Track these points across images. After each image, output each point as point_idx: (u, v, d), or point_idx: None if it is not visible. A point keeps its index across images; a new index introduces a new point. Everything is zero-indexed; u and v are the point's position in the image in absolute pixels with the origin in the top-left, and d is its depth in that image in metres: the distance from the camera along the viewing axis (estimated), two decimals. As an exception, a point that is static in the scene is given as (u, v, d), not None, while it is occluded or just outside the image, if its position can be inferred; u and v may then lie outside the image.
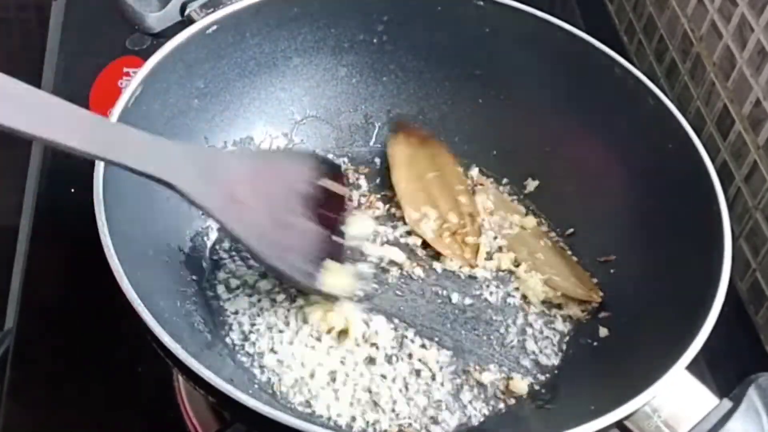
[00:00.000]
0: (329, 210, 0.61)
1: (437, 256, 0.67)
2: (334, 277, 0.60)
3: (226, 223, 0.55)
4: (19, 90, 0.45)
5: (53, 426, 0.63)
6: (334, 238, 0.61)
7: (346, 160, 0.73)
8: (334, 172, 0.64)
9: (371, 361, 0.61)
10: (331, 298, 0.61)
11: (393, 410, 0.59)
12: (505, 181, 0.73)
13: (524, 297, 0.66)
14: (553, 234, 0.70)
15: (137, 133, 0.52)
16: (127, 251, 0.52)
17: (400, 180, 0.71)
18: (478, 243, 0.68)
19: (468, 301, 0.65)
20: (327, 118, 0.73)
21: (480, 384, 0.61)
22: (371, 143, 0.74)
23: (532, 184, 0.72)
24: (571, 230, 0.69)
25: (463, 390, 0.60)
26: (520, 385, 0.61)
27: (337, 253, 0.61)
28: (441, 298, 0.65)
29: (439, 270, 0.67)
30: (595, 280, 0.66)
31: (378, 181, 0.72)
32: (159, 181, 0.51)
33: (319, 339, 0.61)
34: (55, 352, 0.66)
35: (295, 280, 0.59)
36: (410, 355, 0.61)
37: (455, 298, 0.65)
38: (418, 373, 0.61)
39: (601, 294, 0.65)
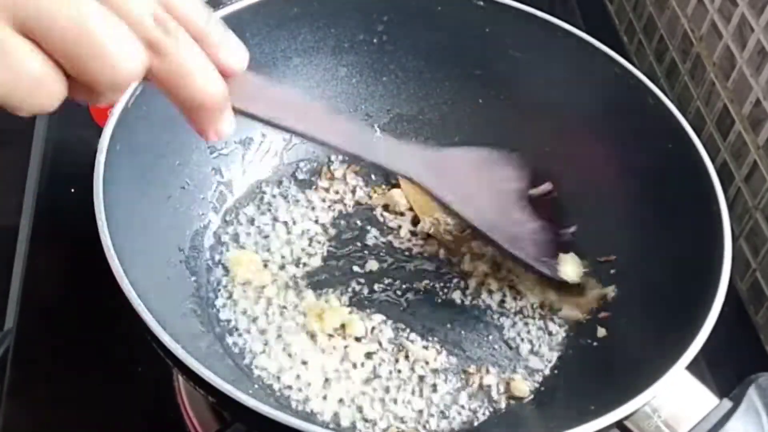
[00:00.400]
0: (539, 205, 0.65)
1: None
2: (570, 266, 0.64)
3: (462, 212, 0.58)
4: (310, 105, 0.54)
5: (53, 426, 0.63)
6: (560, 231, 0.64)
7: (345, 159, 0.73)
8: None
9: (370, 361, 0.61)
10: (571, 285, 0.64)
11: (392, 410, 0.59)
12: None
13: (522, 297, 0.66)
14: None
15: (382, 136, 0.60)
16: (127, 251, 0.52)
17: (409, 191, 0.71)
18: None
19: (468, 301, 0.65)
20: (327, 118, 0.73)
21: (480, 385, 0.61)
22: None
23: (532, 184, 0.72)
24: (572, 229, 0.69)
25: (463, 391, 0.60)
26: (522, 386, 0.61)
27: (564, 244, 0.64)
28: (441, 299, 0.65)
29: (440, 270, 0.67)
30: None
31: (377, 180, 0.72)
32: (400, 175, 0.57)
33: (317, 339, 0.61)
34: (55, 352, 0.66)
35: (537, 269, 0.62)
36: (410, 356, 0.61)
37: (457, 297, 0.65)
38: (418, 374, 0.61)
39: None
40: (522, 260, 0.62)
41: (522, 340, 0.64)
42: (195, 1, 0.39)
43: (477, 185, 0.59)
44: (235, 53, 0.42)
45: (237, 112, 0.44)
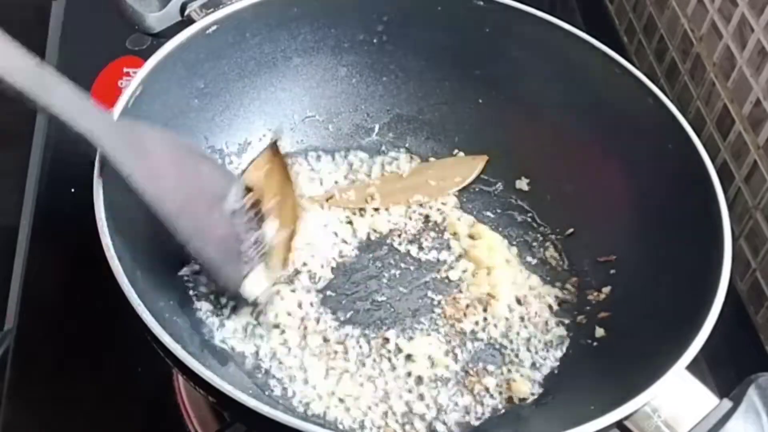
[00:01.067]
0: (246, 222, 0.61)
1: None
2: (256, 281, 0.60)
3: (145, 192, 0.53)
4: None
5: (53, 425, 0.63)
6: (254, 247, 0.61)
7: (345, 158, 0.73)
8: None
9: (370, 361, 0.61)
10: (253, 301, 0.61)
11: (392, 410, 0.59)
12: (504, 180, 0.73)
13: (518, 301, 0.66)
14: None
15: (76, 89, 0.51)
16: (127, 251, 0.52)
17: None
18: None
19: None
20: (327, 118, 0.73)
21: (480, 386, 0.61)
22: (372, 143, 0.74)
23: (532, 184, 0.72)
24: (571, 230, 0.69)
25: (463, 391, 0.60)
26: (522, 387, 0.61)
27: (255, 261, 0.60)
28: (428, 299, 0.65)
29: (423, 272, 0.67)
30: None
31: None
32: (84, 137, 0.50)
33: (316, 339, 0.61)
34: (55, 352, 0.66)
35: (219, 272, 0.59)
36: (409, 356, 0.61)
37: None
38: (417, 375, 0.61)
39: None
40: (203, 256, 0.57)
41: (522, 340, 0.64)
42: None
43: (174, 169, 0.54)
44: None
45: None
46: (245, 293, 0.60)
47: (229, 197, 0.59)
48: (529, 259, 0.69)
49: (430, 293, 0.66)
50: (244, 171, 0.64)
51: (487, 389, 0.61)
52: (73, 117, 0.49)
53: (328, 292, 0.64)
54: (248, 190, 0.62)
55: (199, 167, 0.59)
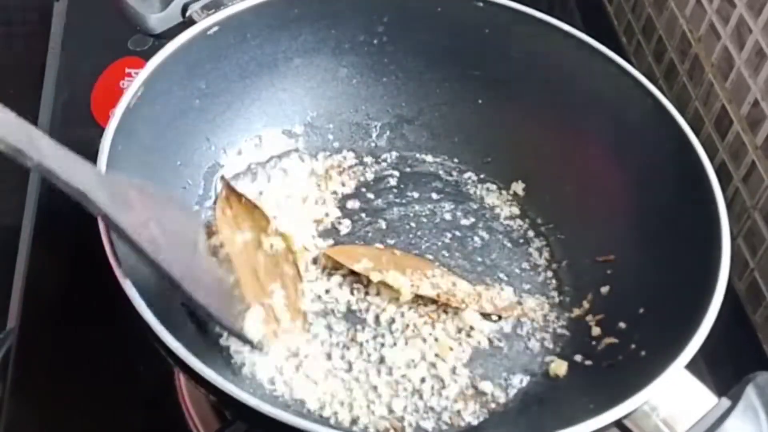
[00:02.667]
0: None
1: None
2: (255, 322, 0.58)
3: (139, 242, 0.50)
4: None
5: (55, 424, 0.64)
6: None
7: (344, 158, 0.73)
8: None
9: (370, 362, 0.61)
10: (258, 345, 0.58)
11: (391, 411, 0.59)
12: (504, 180, 0.73)
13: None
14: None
15: (63, 147, 0.49)
16: (128, 251, 0.52)
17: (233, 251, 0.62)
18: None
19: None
20: (327, 118, 0.73)
21: (479, 385, 0.61)
22: (371, 144, 0.74)
23: (531, 184, 0.72)
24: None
25: (463, 391, 0.61)
26: (521, 387, 0.61)
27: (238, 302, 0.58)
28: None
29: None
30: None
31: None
32: (78, 194, 0.48)
33: (316, 338, 0.62)
34: (56, 352, 0.67)
35: (224, 324, 0.56)
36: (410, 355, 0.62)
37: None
38: (417, 375, 0.61)
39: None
40: (202, 306, 0.54)
41: (520, 339, 0.64)
42: None
43: (153, 218, 0.52)
44: None
45: None
46: (249, 335, 0.57)
47: (199, 242, 0.58)
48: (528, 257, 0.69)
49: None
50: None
51: (485, 389, 0.61)
52: (66, 173, 0.48)
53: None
54: (210, 233, 0.60)
55: (174, 214, 0.57)
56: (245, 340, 0.58)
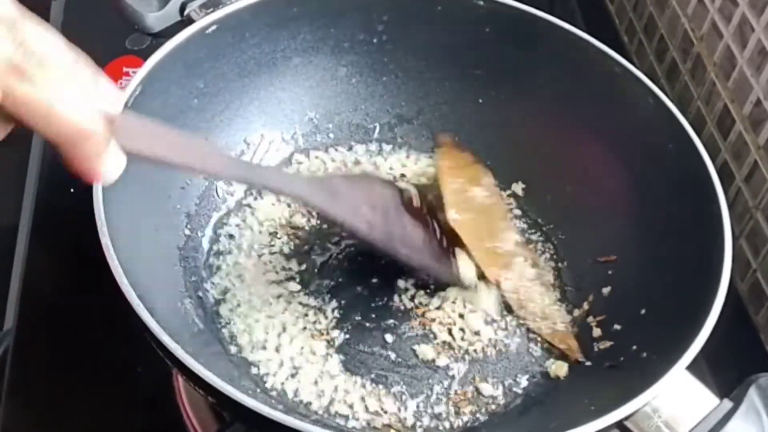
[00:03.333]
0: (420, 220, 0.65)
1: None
2: (466, 267, 0.64)
3: (366, 234, 0.59)
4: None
5: (53, 425, 0.63)
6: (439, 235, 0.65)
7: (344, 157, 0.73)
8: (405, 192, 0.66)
9: (370, 362, 0.61)
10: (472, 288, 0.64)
11: (391, 411, 0.59)
12: (505, 180, 0.73)
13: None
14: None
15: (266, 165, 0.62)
16: (126, 251, 0.52)
17: (446, 184, 0.70)
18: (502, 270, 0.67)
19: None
20: (327, 117, 0.73)
21: (480, 386, 0.61)
22: (371, 143, 0.74)
23: (531, 184, 0.72)
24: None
25: (463, 394, 0.60)
26: (522, 388, 0.61)
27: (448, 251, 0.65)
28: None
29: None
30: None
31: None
32: (302, 200, 0.59)
33: (315, 338, 0.61)
34: (54, 352, 0.66)
35: (445, 277, 0.64)
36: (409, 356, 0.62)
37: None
38: (418, 377, 0.61)
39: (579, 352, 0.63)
40: (421, 264, 0.63)
41: (521, 339, 0.64)
42: (59, 40, 0.40)
43: (362, 201, 0.61)
44: (109, 94, 0.42)
45: (126, 152, 0.44)
46: (466, 281, 0.64)
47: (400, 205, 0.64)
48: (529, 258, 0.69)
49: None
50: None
51: (486, 390, 0.61)
52: (283, 187, 0.58)
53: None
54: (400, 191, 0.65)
55: (375, 188, 0.63)
56: (462, 285, 0.64)
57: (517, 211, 0.71)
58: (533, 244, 0.69)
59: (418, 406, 0.59)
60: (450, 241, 0.65)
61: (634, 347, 0.59)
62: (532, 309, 0.65)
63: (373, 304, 0.64)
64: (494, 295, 0.65)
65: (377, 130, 0.74)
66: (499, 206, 0.71)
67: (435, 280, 0.65)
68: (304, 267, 0.65)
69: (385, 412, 0.59)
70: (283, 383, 0.59)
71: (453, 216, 0.67)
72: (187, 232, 0.64)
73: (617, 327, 0.62)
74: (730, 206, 0.61)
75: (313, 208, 0.60)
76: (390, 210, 0.62)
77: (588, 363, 0.62)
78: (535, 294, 0.66)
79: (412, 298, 0.65)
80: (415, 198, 0.65)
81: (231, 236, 0.67)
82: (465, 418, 0.59)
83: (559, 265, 0.68)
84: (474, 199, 0.70)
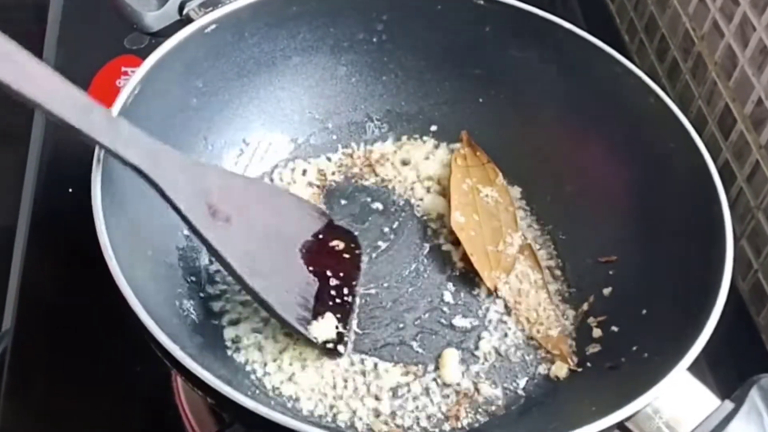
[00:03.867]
0: (337, 271, 0.61)
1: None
2: (324, 329, 0.59)
3: (202, 232, 0.55)
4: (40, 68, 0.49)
5: (51, 426, 0.63)
6: (344, 297, 0.60)
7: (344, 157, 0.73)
8: (348, 237, 0.65)
9: (369, 363, 0.61)
10: (319, 349, 0.59)
11: (390, 412, 0.59)
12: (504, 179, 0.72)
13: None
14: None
15: (133, 128, 0.53)
16: (125, 251, 0.52)
17: (455, 185, 0.70)
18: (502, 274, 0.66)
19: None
20: (326, 117, 0.73)
21: (480, 387, 0.61)
22: (371, 143, 0.74)
23: (531, 184, 0.72)
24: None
25: (464, 395, 0.60)
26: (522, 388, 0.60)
27: (344, 312, 0.60)
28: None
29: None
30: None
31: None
32: (132, 166, 0.52)
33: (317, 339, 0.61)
34: (52, 353, 0.66)
35: (281, 316, 0.58)
36: (406, 363, 0.61)
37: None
38: (416, 375, 0.61)
39: (575, 360, 0.62)
40: (263, 300, 0.57)
41: (521, 339, 0.63)
42: None
43: (244, 213, 0.56)
44: None
45: None
46: (310, 335, 0.58)
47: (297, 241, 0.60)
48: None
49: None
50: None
51: (486, 391, 0.60)
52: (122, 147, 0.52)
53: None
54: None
55: (280, 204, 0.60)
56: (303, 337, 0.58)
57: (518, 212, 0.71)
58: (534, 243, 0.69)
59: (417, 408, 0.59)
60: None
61: (635, 348, 0.58)
62: (528, 314, 0.65)
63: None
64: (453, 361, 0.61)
65: (377, 130, 0.74)
66: (509, 208, 0.70)
67: (270, 314, 0.59)
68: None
69: (387, 415, 0.58)
70: (282, 384, 0.59)
71: (457, 218, 0.67)
72: (187, 232, 0.64)
73: (618, 328, 0.62)
74: (732, 206, 0.60)
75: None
76: (278, 235, 0.58)
77: (589, 364, 0.61)
78: (532, 298, 0.66)
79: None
80: (342, 243, 0.61)
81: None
82: (465, 420, 0.59)
83: (560, 265, 0.68)
84: (483, 200, 0.70)
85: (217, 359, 0.58)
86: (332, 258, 0.62)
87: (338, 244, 0.64)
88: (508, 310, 0.65)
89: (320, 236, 0.63)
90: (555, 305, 0.66)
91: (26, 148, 0.82)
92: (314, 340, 0.58)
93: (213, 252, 0.56)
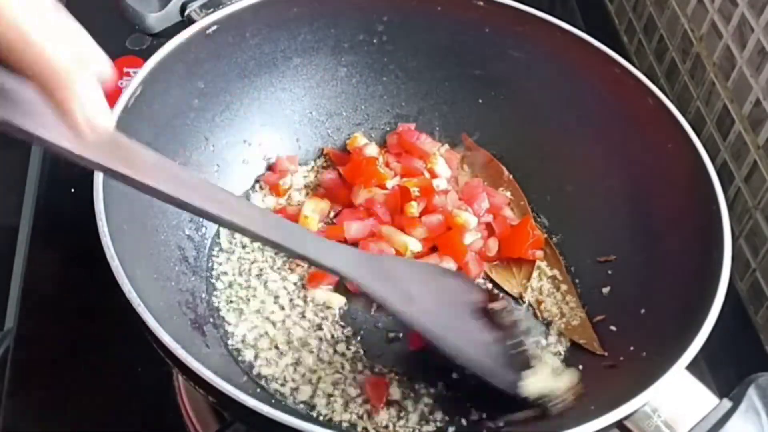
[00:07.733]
0: (497, 327, 0.60)
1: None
2: (537, 381, 0.58)
3: (409, 317, 0.56)
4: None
5: (53, 425, 0.63)
6: (518, 348, 0.60)
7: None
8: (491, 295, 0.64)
9: (369, 364, 0.61)
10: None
11: (390, 412, 0.59)
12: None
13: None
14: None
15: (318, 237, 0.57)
16: (127, 251, 0.52)
17: None
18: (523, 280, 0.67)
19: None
20: (326, 117, 0.73)
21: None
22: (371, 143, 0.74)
23: (531, 184, 0.72)
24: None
25: (463, 395, 0.60)
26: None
27: (525, 361, 0.59)
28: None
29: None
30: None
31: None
32: (340, 274, 0.54)
33: (318, 339, 0.61)
34: (54, 352, 0.66)
35: (494, 378, 0.57)
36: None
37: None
38: (417, 377, 0.61)
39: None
40: (483, 367, 0.57)
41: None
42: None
43: (423, 291, 0.57)
44: (92, 50, 0.44)
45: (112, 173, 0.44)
46: (524, 393, 0.57)
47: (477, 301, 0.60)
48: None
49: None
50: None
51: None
52: (322, 257, 0.54)
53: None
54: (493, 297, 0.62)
55: (443, 281, 0.61)
56: (520, 396, 0.57)
57: (517, 211, 0.71)
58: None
59: (417, 406, 0.59)
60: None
61: (634, 347, 0.59)
62: (552, 310, 0.65)
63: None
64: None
65: (377, 130, 0.74)
66: (520, 202, 0.71)
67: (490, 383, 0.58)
68: (307, 266, 0.66)
69: (387, 410, 0.59)
70: (283, 383, 0.59)
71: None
72: (188, 232, 0.64)
73: (616, 327, 0.62)
74: (730, 206, 0.61)
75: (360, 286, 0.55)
76: (453, 306, 0.59)
77: (588, 361, 0.61)
78: (551, 296, 0.66)
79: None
80: (496, 304, 0.60)
81: (233, 236, 0.67)
82: (466, 417, 0.59)
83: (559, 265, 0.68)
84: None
85: (219, 358, 0.58)
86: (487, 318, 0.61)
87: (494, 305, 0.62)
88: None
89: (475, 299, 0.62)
90: (575, 295, 0.66)
91: (29, 149, 0.82)
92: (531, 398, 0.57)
93: (425, 331, 0.57)
